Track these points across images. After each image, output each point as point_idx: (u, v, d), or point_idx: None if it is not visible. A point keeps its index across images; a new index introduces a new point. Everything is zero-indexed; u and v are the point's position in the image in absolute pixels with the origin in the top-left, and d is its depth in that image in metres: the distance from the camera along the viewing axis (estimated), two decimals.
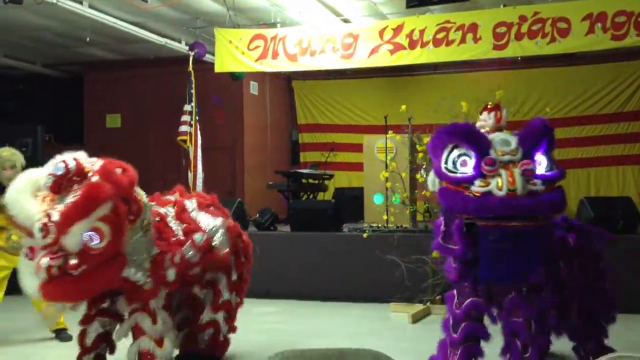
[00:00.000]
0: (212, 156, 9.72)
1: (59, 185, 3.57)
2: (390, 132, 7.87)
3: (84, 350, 4.12)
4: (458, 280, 3.89)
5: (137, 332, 3.93)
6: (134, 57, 11.09)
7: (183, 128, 8.94)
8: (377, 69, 9.79)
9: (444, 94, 10.45)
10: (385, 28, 8.34)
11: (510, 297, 3.79)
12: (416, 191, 7.79)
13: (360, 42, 8.43)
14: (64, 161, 3.61)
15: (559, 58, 9.56)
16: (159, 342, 3.99)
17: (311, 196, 10.12)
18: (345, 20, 9.26)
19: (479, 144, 3.68)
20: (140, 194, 3.86)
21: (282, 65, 8.90)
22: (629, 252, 6.47)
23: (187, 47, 9.62)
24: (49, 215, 3.44)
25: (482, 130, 3.90)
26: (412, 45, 8.19)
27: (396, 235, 6.97)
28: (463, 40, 7.97)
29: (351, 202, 8.89)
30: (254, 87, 11.56)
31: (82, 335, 4.12)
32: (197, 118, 9.09)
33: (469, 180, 3.60)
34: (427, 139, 7.72)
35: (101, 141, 11.43)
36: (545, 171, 3.69)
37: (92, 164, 3.74)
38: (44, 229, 3.42)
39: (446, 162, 3.74)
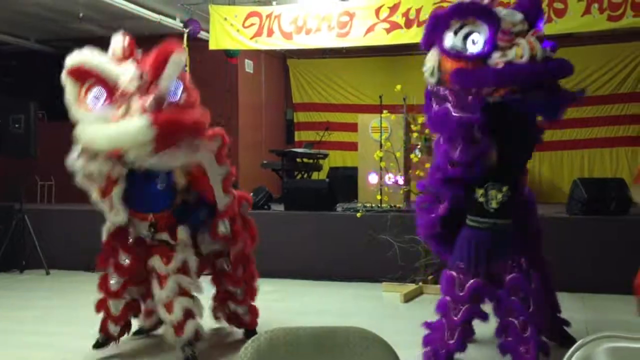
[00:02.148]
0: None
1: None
2: (385, 111, 7.86)
3: (112, 318, 4.22)
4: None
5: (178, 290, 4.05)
6: (129, 34, 10.99)
7: None
8: (373, 48, 9.74)
9: None
10: (381, 7, 8.28)
11: (512, 276, 3.79)
12: (410, 171, 7.79)
13: (356, 20, 8.37)
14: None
15: (554, 38, 9.51)
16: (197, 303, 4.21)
17: (305, 175, 10.12)
18: None
19: (491, 19, 3.72)
20: None
21: (277, 43, 8.85)
22: (621, 234, 6.52)
23: (181, 24, 9.54)
24: (142, 68, 3.92)
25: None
26: (409, 24, 8.15)
27: (390, 215, 6.99)
28: None
29: (345, 182, 8.89)
30: (249, 65, 11.50)
31: (104, 304, 4.23)
32: None
33: (486, 55, 3.65)
34: (421, 119, 7.77)
35: None
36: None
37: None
38: (141, 74, 3.85)
39: (453, 43, 3.76)
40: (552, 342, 4.56)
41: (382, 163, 7.56)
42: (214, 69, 10.42)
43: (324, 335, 1.72)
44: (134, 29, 10.61)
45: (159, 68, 3.82)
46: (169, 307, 3.97)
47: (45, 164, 8.80)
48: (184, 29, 9.24)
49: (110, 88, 3.83)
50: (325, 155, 10.63)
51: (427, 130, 7.99)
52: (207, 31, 9.15)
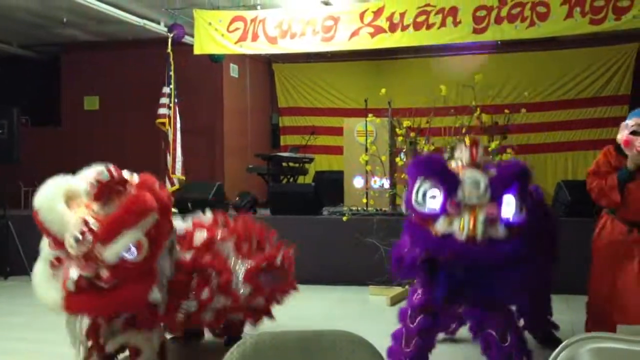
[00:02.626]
0: (192, 139, 9.66)
1: (102, 193, 3.45)
2: (370, 115, 7.88)
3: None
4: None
5: (131, 352, 3.77)
6: (112, 39, 10.96)
7: (162, 111, 8.86)
8: (357, 52, 9.77)
9: (424, 78, 10.54)
10: (365, 11, 8.30)
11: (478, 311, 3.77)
12: (396, 174, 7.81)
13: (341, 25, 8.39)
14: (108, 169, 3.51)
15: (538, 42, 9.60)
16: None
17: (291, 179, 10.12)
18: (326, 3, 9.21)
19: (447, 182, 3.61)
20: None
21: (262, 47, 8.84)
22: (587, 236, 6.54)
23: (166, 29, 9.52)
24: (87, 224, 3.30)
25: (458, 164, 3.83)
26: (393, 28, 8.17)
27: (376, 218, 7.00)
28: (443, 24, 7.96)
29: (331, 186, 8.90)
30: (233, 70, 11.49)
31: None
32: (176, 101, 9.02)
33: (434, 217, 3.56)
34: (407, 123, 7.81)
35: (79, 124, 11.34)
36: (512, 215, 3.60)
37: (130, 175, 3.68)
38: (82, 237, 3.28)
39: (417, 194, 3.67)
40: (540, 343, 4.61)
41: (368, 167, 7.58)
42: (198, 74, 10.41)
43: (310, 339, 1.72)
44: (119, 34, 10.66)
45: (108, 234, 3.29)
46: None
47: (29, 169, 8.74)
48: (168, 34, 9.21)
49: (60, 238, 3.46)
50: (311, 159, 10.63)
51: (412, 134, 8.04)
52: (192, 36, 9.13)
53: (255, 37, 8.68)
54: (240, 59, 11.23)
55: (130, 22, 9.42)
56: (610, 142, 4.43)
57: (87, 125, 11.25)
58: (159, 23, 9.80)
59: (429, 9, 8.02)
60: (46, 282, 3.48)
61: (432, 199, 3.62)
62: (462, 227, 3.47)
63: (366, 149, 7.71)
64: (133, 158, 11.03)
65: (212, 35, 8.81)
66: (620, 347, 1.78)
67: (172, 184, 8.58)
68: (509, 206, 3.58)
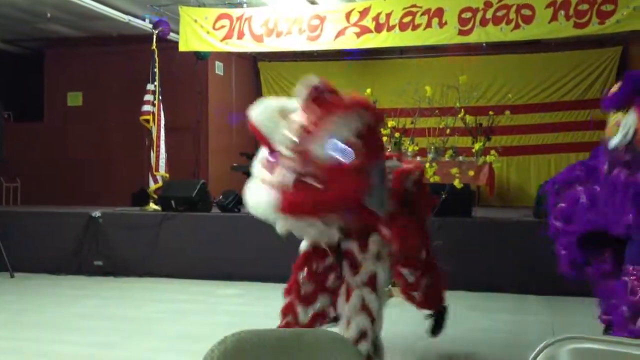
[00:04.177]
0: (176, 137, 9.61)
1: (317, 98, 3.39)
2: None
3: (299, 325, 3.85)
4: None
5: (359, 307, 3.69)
6: (97, 35, 10.87)
7: (146, 107, 8.80)
8: (343, 52, 9.78)
9: (410, 78, 10.57)
10: (352, 11, 8.32)
11: None
12: None
13: (327, 24, 8.40)
14: (320, 79, 3.52)
15: (523, 45, 9.67)
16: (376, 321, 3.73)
17: None
18: (312, 2, 9.20)
19: None
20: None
21: (247, 45, 8.82)
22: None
23: (151, 25, 9.46)
24: (302, 125, 3.28)
25: None
26: (379, 28, 8.19)
27: None
28: (429, 25, 7.99)
29: None
30: (219, 68, 11.45)
31: (293, 309, 3.92)
32: (160, 97, 8.97)
33: None
34: (391, 123, 7.83)
35: (62, 120, 11.24)
36: None
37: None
38: (297, 137, 3.26)
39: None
40: None
41: None
42: (183, 71, 10.36)
43: (292, 338, 1.72)
44: (103, 30, 10.58)
45: (318, 130, 3.25)
46: (347, 324, 3.71)
47: (11, 165, 8.66)
48: (154, 30, 9.15)
49: (272, 147, 3.48)
50: None
51: (396, 134, 8.07)
52: (177, 32, 9.09)
53: (241, 35, 8.66)
54: (225, 56, 11.19)
55: (115, 18, 9.35)
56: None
57: (70, 121, 11.15)
58: (144, 19, 9.73)
59: (415, 9, 8.04)
60: (257, 190, 3.47)
61: None
62: None
63: None
64: (117, 155, 11.05)
65: (198, 32, 8.79)
66: (599, 348, 1.79)
67: (156, 182, 8.54)
68: None
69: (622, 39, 10.32)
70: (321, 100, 3.37)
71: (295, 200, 3.31)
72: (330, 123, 3.25)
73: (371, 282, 3.69)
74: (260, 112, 3.60)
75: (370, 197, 3.39)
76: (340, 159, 3.24)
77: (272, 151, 3.44)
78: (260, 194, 3.43)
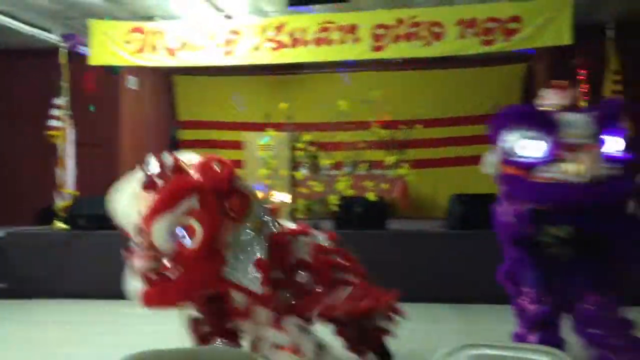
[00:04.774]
0: (87, 153, 9.31)
1: (154, 185, 3.35)
2: (270, 130, 7.89)
3: None
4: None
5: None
6: (4, 48, 10.45)
7: (54, 123, 8.50)
8: (259, 67, 9.76)
9: (326, 93, 10.67)
10: (267, 26, 8.34)
11: (585, 307, 3.54)
12: (296, 188, 7.85)
13: (243, 38, 8.37)
14: (158, 158, 3.44)
15: (435, 61, 9.93)
16: (297, 352, 3.48)
17: None
18: (228, 17, 9.17)
19: (547, 127, 3.44)
20: (250, 191, 3.55)
21: (161, 60, 8.66)
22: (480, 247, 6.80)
23: (59, 39, 9.16)
24: (139, 224, 3.27)
25: (550, 109, 3.66)
26: (294, 43, 8.24)
27: None
28: (343, 41, 8.11)
29: None
30: (132, 82, 11.19)
31: None
32: (70, 113, 8.68)
33: (536, 165, 3.38)
34: (306, 137, 7.88)
35: None
36: (619, 151, 3.43)
37: (191, 160, 3.51)
38: (139, 229, 3.26)
39: (510, 146, 3.52)
40: None
41: (268, 181, 7.57)
42: (95, 86, 10.06)
43: (190, 356, 1.67)
44: (11, 43, 10.15)
45: (153, 215, 3.23)
46: None
47: None
48: (63, 44, 8.86)
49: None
50: None
51: (312, 148, 8.12)
52: (87, 46, 8.84)
53: (153, 49, 8.52)
54: (139, 70, 10.95)
55: (22, 31, 9.01)
56: None
57: None
58: (52, 32, 9.41)
59: (329, 25, 8.15)
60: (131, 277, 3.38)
61: (530, 147, 3.43)
62: (568, 170, 3.29)
63: (266, 163, 7.70)
64: (24, 171, 10.59)
65: (109, 46, 8.58)
66: (497, 354, 1.84)
67: (63, 199, 8.23)
68: (615, 143, 3.41)
69: (527, 56, 10.77)
70: (154, 187, 3.37)
71: (153, 296, 3.32)
72: (155, 213, 3.22)
73: None
74: (119, 203, 3.53)
75: (233, 268, 3.36)
76: (184, 244, 3.24)
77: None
78: (131, 282, 3.39)
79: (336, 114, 7.80)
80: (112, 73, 9.78)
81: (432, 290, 6.62)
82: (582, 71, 7.83)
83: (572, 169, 3.32)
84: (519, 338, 3.76)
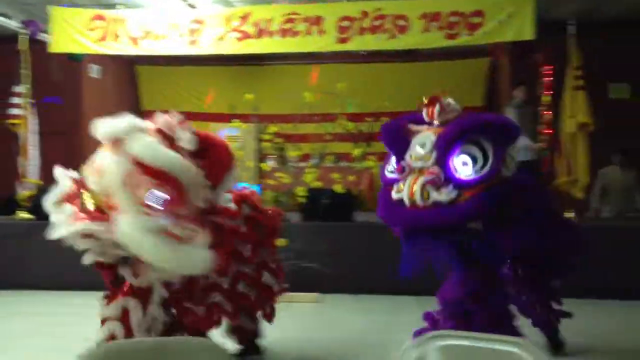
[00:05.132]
0: (49, 142, 9.11)
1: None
2: (236, 120, 7.85)
3: None
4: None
5: None
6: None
7: (14, 111, 8.32)
8: (225, 56, 9.69)
9: (292, 85, 10.65)
10: (231, 15, 8.29)
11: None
12: (263, 180, 7.84)
13: (207, 28, 8.30)
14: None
15: (400, 54, 10.01)
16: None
17: None
18: (191, 6, 9.08)
19: (396, 147, 3.57)
20: None
21: (123, 48, 8.54)
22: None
23: (19, 25, 8.94)
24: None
25: (422, 125, 3.68)
26: (259, 34, 8.20)
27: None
28: (309, 32, 8.10)
29: None
30: (94, 70, 11.02)
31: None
32: (31, 100, 8.50)
33: (391, 183, 3.55)
34: (273, 129, 7.87)
35: None
36: (473, 173, 3.34)
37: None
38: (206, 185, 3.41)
39: (388, 161, 3.71)
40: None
41: None
42: (56, 73, 9.87)
43: (160, 347, 1.67)
44: None
45: (220, 178, 3.46)
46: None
47: None
48: (23, 30, 8.66)
49: (177, 192, 3.21)
50: None
51: (278, 140, 8.13)
52: (48, 32, 8.66)
53: (116, 37, 8.39)
54: (101, 59, 10.79)
55: None
56: None
57: None
58: (10, 18, 9.18)
59: (294, 17, 8.13)
60: (176, 247, 3.18)
61: (391, 164, 3.62)
62: (403, 192, 3.41)
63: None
64: None
65: (70, 33, 8.43)
66: (465, 345, 1.88)
67: (25, 189, 8.07)
68: (464, 163, 3.36)
69: (490, 51, 10.92)
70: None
71: (228, 251, 3.47)
72: (230, 175, 3.60)
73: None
74: (145, 145, 3.37)
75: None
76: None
77: (171, 193, 3.24)
78: (184, 251, 3.20)
79: (302, 106, 7.80)
80: (74, 60, 9.62)
81: (397, 283, 6.68)
82: (545, 66, 7.94)
83: (406, 192, 3.40)
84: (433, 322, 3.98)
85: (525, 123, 8.02)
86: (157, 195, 3.17)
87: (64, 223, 3.36)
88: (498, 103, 10.98)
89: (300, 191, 7.04)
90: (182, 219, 3.20)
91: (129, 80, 12.37)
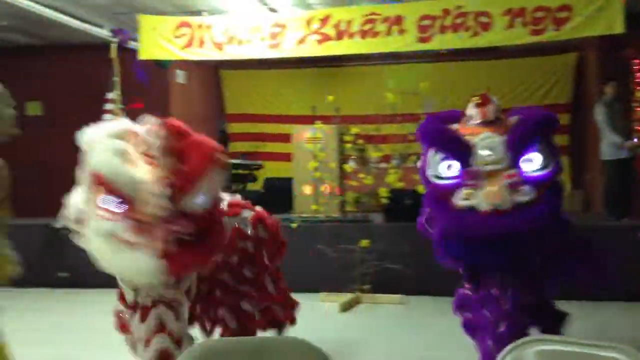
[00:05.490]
0: None
1: (169, 146, 3.45)
2: (318, 122, 7.92)
3: None
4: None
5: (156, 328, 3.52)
6: (54, 43, 10.70)
7: (107, 117, 8.70)
8: (305, 59, 9.79)
9: (372, 86, 10.65)
10: (312, 18, 8.35)
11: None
12: (345, 181, 7.87)
13: (288, 32, 8.41)
14: (166, 123, 3.56)
15: (482, 52, 9.81)
16: (179, 342, 3.53)
17: (240, 186, 10.06)
18: (272, 10, 9.22)
19: (458, 151, 3.37)
20: None
21: (208, 53, 8.77)
22: None
23: (109, 34, 9.35)
24: (166, 180, 3.30)
25: (469, 124, 3.58)
26: (339, 35, 8.24)
27: (325, 225, 7.02)
28: (389, 32, 8.07)
29: (280, 193, 8.89)
30: (180, 76, 11.36)
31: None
32: (122, 106, 8.87)
33: (453, 189, 3.31)
34: (354, 130, 7.88)
35: (20, 129, 10.98)
36: (538, 169, 3.30)
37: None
38: (170, 184, 3.28)
39: (431, 165, 3.44)
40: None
41: (317, 173, 7.60)
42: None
43: (260, 346, 1.71)
44: (61, 38, 10.41)
45: (190, 184, 3.32)
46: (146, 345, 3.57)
47: None
48: (113, 39, 9.05)
49: (128, 197, 3.24)
50: (260, 166, 10.59)
51: (360, 141, 8.13)
52: (137, 40, 9.00)
53: (201, 43, 8.62)
54: (187, 65, 11.12)
55: (73, 27, 9.22)
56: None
57: (29, 130, 10.90)
58: (102, 27, 9.61)
59: (374, 17, 8.12)
60: (124, 253, 3.20)
61: (448, 169, 3.35)
62: (483, 197, 3.19)
63: (315, 156, 7.72)
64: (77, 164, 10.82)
65: (158, 40, 8.72)
66: (565, 350, 1.83)
67: None
68: (533, 161, 3.29)
69: (577, 45, 10.56)
70: (176, 150, 3.42)
71: (185, 263, 3.30)
72: (200, 177, 3.33)
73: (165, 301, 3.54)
74: (100, 155, 3.36)
75: None
76: (199, 207, 3.35)
77: (123, 200, 3.23)
78: (132, 257, 3.18)
79: (383, 106, 7.77)
80: (161, 67, 9.95)
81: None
82: (635, 61, 7.62)
83: (485, 198, 3.21)
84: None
85: (616, 120, 7.75)
86: (109, 201, 3.24)
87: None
88: (586, 100, 10.60)
89: (383, 192, 7.03)
90: (134, 226, 3.19)
91: (214, 85, 12.68)
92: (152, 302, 3.48)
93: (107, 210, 3.22)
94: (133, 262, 3.17)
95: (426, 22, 7.95)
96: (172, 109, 11.05)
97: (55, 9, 8.74)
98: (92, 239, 3.26)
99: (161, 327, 3.46)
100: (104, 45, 9.20)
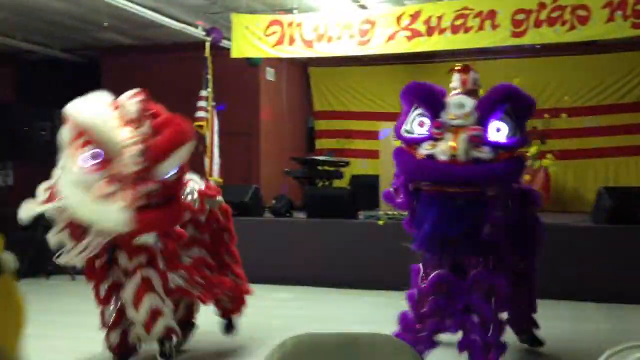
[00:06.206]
0: (228, 142, 9.71)
1: (142, 116, 3.97)
2: None
3: (108, 327, 4.16)
4: (419, 246, 4.03)
5: (145, 287, 3.93)
6: (151, 42, 11.10)
7: (200, 114, 8.95)
8: (393, 55, 9.72)
9: None
10: (402, 14, 8.29)
11: (476, 271, 3.79)
12: None
13: (377, 28, 8.38)
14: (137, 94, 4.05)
15: (578, 46, 9.45)
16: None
17: (327, 183, 10.13)
18: (362, 7, 9.21)
19: (432, 105, 3.70)
20: None
21: (298, 51, 8.87)
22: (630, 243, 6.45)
23: (203, 33, 9.61)
24: (141, 144, 3.73)
25: (453, 92, 3.92)
26: (430, 31, 8.14)
27: None
28: (481, 27, 7.90)
29: (367, 190, 8.88)
30: (270, 73, 11.54)
31: (102, 315, 4.18)
32: (213, 104, 9.10)
33: (419, 142, 3.64)
34: None
35: None
36: (505, 138, 3.58)
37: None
38: (143, 151, 3.70)
39: (408, 122, 3.78)
40: (521, 342, 4.57)
41: None
42: (235, 77, 10.48)
43: (350, 342, 1.72)
44: (157, 38, 10.79)
45: (163, 153, 3.80)
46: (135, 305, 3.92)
47: None
48: (206, 37, 9.30)
49: (107, 155, 3.66)
50: (347, 163, 10.62)
51: None
52: (229, 39, 9.21)
53: (291, 41, 8.72)
54: (276, 62, 11.29)
55: (169, 26, 9.53)
56: None
57: None
58: (196, 27, 9.89)
59: (466, 12, 7.96)
60: (97, 203, 3.57)
61: (420, 126, 3.70)
62: (443, 148, 3.50)
63: None
64: None
65: (249, 39, 8.89)
66: None
67: None
68: (500, 130, 3.58)
69: None
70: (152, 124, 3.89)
71: (148, 220, 3.68)
72: (172, 148, 3.82)
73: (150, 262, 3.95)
74: (93, 111, 3.79)
75: None
76: (166, 177, 3.82)
77: (102, 154, 3.63)
78: (102, 206, 3.53)
79: None
80: (252, 65, 10.13)
81: (577, 288, 6.35)
82: None
83: (445, 148, 3.45)
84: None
85: None
86: (87, 154, 3.61)
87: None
88: None
89: None
90: (108, 179, 3.55)
91: (302, 82, 12.81)
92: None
93: (86, 163, 3.62)
94: (104, 212, 3.53)
95: (520, 16, 7.73)
96: (262, 106, 11.25)
97: (153, 10, 9.06)
98: (69, 189, 3.61)
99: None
100: (198, 44, 9.46)
